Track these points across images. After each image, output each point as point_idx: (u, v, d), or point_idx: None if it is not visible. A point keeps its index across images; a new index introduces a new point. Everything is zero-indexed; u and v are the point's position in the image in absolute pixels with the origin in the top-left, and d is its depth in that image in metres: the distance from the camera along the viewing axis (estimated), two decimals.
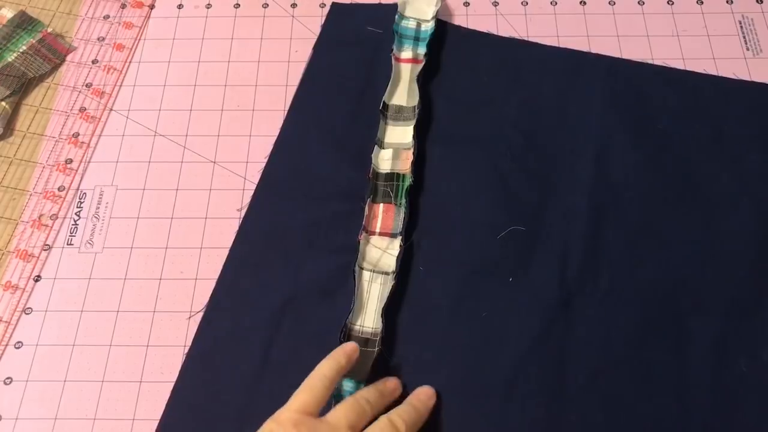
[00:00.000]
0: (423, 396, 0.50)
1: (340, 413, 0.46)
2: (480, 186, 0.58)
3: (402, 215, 0.56)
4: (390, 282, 0.53)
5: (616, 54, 0.65)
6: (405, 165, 0.58)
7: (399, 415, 0.47)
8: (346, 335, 0.52)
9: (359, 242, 0.55)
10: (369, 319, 0.53)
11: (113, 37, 0.68)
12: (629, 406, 0.50)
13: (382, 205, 0.57)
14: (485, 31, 0.67)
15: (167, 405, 0.51)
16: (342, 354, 0.48)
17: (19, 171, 0.61)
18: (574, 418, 0.49)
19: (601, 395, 0.50)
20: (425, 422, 0.49)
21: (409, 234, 0.56)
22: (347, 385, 0.50)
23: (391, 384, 0.50)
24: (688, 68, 0.64)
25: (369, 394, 0.48)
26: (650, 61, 0.65)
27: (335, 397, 0.49)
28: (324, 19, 0.68)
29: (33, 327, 0.54)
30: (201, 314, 0.54)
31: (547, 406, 0.50)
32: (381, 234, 0.56)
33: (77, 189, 0.60)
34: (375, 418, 0.47)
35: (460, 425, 0.49)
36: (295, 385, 0.46)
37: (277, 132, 0.61)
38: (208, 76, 0.66)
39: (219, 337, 0.53)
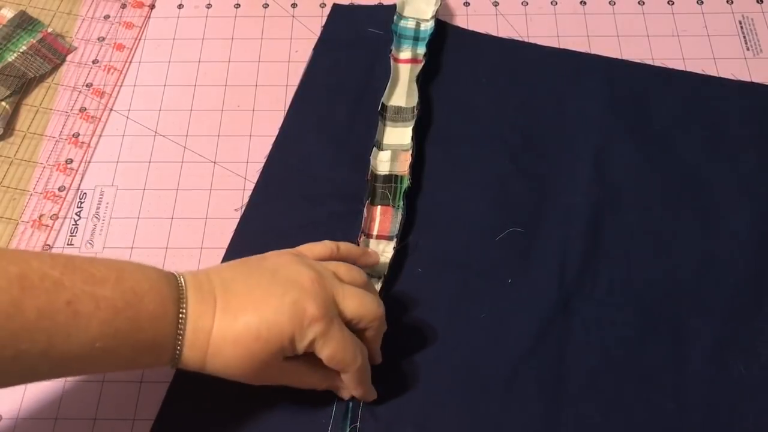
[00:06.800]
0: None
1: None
2: (478, 187, 0.58)
3: (399, 217, 0.56)
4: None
5: (616, 54, 0.65)
6: (403, 167, 0.58)
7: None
8: None
9: (358, 245, 0.55)
10: None
11: (113, 37, 0.68)
12: (628, 407, 0.50)
13: (379, 207, 0.57)
14: (485, 31, 0.67)
15: (158, 413, 0.50)
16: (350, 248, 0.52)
17: (20, 171, 0.61)
18: (572, 419, 0.49)
19: (599, 396, 0.50)
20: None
21: (406, 236, 0.56)
22: None
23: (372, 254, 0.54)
24: (688, 68, 0.64)
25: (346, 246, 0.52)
26: (650, 61, 0.65)
27: None
28: (324, 19, 0.68)
29: None
30: None
31: (546, 408, 0.50)
32: (379, 237, 0.56)
33: (77, 189, 0.60)
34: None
35: (458, 426, 0.49)
36: (290, 389, 0.47)
37: (277, 132, 0.62)
38: (208, 76, 0.66)
39: None
